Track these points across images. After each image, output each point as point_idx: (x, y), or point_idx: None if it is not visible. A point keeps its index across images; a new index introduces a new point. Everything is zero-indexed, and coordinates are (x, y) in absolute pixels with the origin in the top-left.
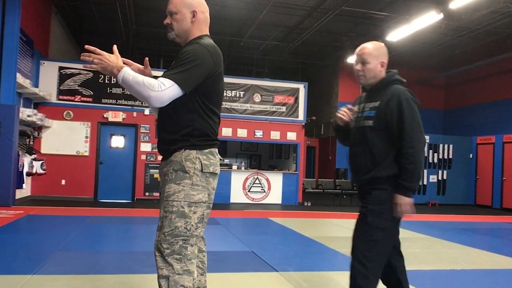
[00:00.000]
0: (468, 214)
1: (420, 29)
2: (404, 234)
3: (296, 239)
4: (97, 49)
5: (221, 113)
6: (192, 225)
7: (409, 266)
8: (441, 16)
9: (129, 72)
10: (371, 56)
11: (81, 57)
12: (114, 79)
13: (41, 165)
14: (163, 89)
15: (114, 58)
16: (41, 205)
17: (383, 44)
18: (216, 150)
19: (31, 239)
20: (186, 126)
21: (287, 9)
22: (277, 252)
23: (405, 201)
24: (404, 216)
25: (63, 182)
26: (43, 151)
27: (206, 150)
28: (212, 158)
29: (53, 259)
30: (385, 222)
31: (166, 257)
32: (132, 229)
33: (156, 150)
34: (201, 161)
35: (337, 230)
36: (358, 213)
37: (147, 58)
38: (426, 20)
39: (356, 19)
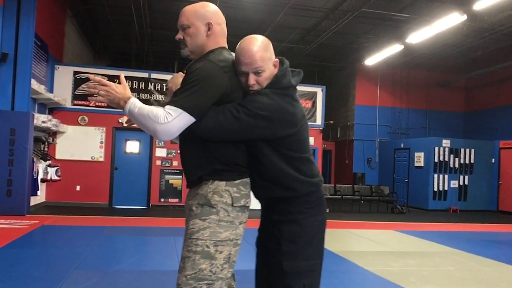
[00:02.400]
0: (491, 221)
1: (441, 30)
2: (431, 247)
3: None
4: (103, 80)
5: None
6: (218, 267)
7: None
8: (464, 17)
9: (136, 104)
10: (264, 60)
11: (86, 88)
12: (129, 84)
13: (56, 171)
14: (169, 120)
15: (121, 89)
16: (55, 212)
17: (263, 37)
18: (248, 180)
19: (46, 255)
20: (212, 154)
21: (304, 11)
22: None
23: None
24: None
25: (77, 188)
26: (57, 157)
27: (237, 181)
28: (243, 190)
29: (70, 280)
30: (305, 263)
31: None
32: (149, 242)
33: (172, 156)
34: (231, 194)
35: (362, 243)
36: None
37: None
38: (449, 21)
39: (375, 21)
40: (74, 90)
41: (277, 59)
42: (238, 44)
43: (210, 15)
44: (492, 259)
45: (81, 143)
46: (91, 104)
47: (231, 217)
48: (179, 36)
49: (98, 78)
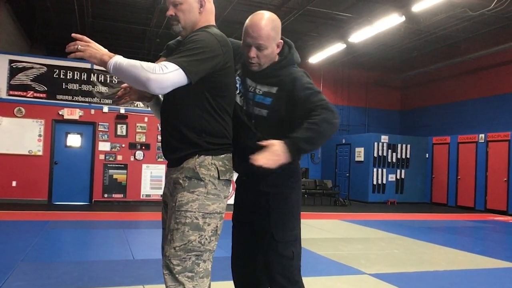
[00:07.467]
0: (426, 212)
1: (381, 31)
2: (375, 234)
3: None
4: (85, 37)
5: None
6: (206, 238)
7: (393, 268)
8: (403, 18)
9: (123, 58)
10: (269, 39)
11: (66, 48)
12: (70, 75)
13: None
14: (165, 72)
15: (103, 48)
16: None
17: (275, 16)
18: (231, 155)
19: None
20: (197, 128)
21: (251, 7)
22: None
23: (280, 152)
24: (260, 164)
25: (14, 183)
26: None
27: (222, 155)
28: (228, 164)
29: (18, 271)
30: (291, 233)
31: (177, 275)
32: (97, 235)
33: (116, 150)
34: (217, 168)
35: (311, 231)
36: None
37: None
38: (388, 22)
39: (319, 19)
40: (9, 80)
41: (281, 41)
42: (251, 16)
43: None
44: (431, 242)
45: (18, 136)
46: (28, 95)
47: (217, 190)
48: (171, 12)
49: (79, 35)
